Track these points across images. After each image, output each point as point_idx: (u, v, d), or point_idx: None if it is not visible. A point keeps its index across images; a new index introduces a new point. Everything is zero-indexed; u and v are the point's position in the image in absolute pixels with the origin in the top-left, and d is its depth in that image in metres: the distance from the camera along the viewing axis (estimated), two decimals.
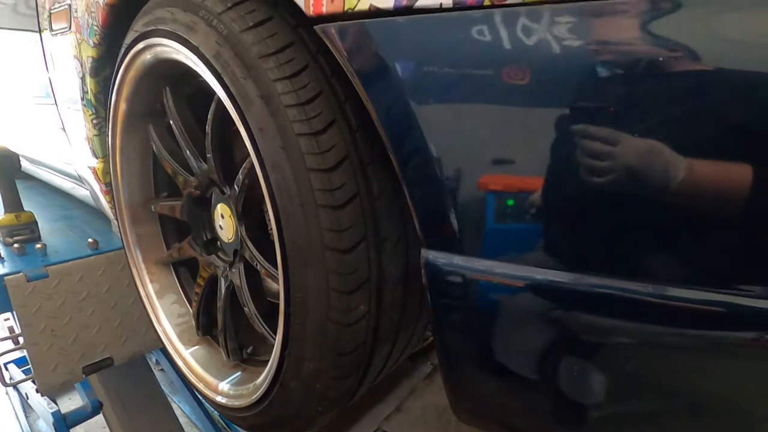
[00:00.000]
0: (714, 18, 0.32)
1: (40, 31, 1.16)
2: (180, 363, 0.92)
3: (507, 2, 0.38)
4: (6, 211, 1.43)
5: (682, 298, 0.37)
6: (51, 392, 1.21)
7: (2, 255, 1.31)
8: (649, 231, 0.37)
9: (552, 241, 0.43)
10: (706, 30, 0.32)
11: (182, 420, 1.74)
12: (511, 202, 0.43)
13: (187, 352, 0.94)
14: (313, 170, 0.52)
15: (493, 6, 0.38)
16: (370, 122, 0.54)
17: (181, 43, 0.64)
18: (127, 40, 0.78)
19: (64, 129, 1.27)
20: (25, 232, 1.44)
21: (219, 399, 0.80)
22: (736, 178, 0.33)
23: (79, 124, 1.11)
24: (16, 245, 1.34)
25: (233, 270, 0.83)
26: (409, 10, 0.43)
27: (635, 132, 0.35)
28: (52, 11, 1.07)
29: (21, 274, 1.20)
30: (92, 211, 1.71)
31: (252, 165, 0.63)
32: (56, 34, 1.07)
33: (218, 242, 0.90)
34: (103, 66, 0.95)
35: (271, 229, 0.79)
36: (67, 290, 1.25)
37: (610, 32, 0.35)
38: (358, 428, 1.19)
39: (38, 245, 1.34)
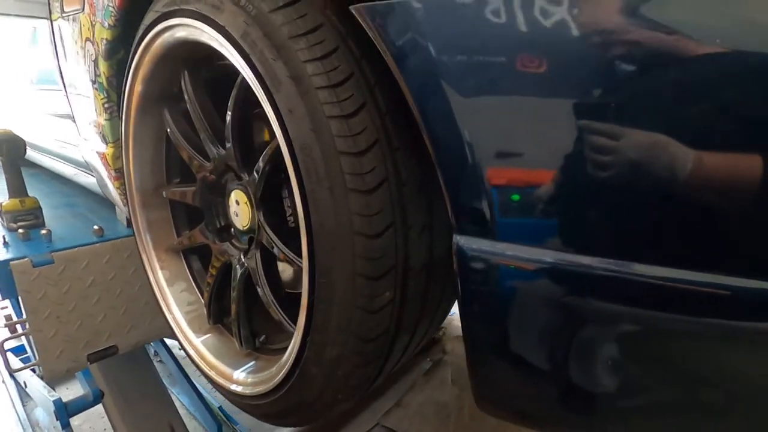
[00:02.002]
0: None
1: (50, 15, 1.15)
2: (191, 351, 0.92)
3: None
4: (10, 196, 1.41)
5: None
6: (56, 379, 1.20)
7: (7, 240, 1.30)
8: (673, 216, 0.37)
9: (580, 227, 0.42)
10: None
11: (181, 411, 1.73)
12: (540, 189, 0.43)
13: (198, 341, 0.93)
14: (344, 153, 0.52)
15: None
16: (399, 107, 0.53)
17: (206, 23, 0.63)
18: (147, 20, 0.77)
19: (72, 115, 1.26)
20: (30, 218, 1.42)
21: (234, 387, 0.79)
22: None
23: (89, 109, 1.10)
24: (20, 230, 1.32)
25: (248, 257, 0.82)
26: None
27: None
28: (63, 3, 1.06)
29: (26, 259, 1.18)
30: (96, 198, 1.69)
31: (275, 149, 0.62)
32: (68, 16, 1.06)
33: (232, 229, 0.89)
34: (118, 48, 0.94)
35: (290, 215, 0.79)
36: (73, 277, 1.24)
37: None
38: (357, 423, 1.19)
39: (43, 231, 1.32)
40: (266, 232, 0.73)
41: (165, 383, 1.76)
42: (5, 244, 1.29)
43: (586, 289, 0.43)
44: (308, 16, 0.55)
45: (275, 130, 0.56)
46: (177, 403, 1.82)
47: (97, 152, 1.14)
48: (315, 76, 0.52)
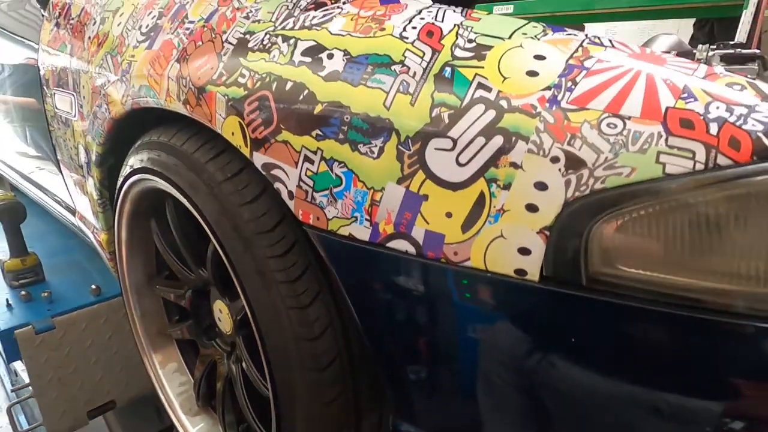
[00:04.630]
0: None
1: (43, 99, 1.21)
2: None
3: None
4: (11, 256, 1.50)
5: None
6: None
7: (11, 302, 1.40)
8: None
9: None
10: None
11: None
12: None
13: (188, 423, 1.04)
14: (303, 339, 0.62)
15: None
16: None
17: (183, 197, 0.71)
18: (132, 162, 0.85)
19: (65, 185, 1.33)
20: (30, 275, 1.52)
21: None
22: None
23: (84, 192, 1.18)
24: (23, 292, 1.42)
25: (231, 361, 0.92)
26: (379, 245, 0.51)
27: None
28: (55, 91, 1.12)
29: (30, 327, 1.28)
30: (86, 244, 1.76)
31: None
32: (61, 113, 1.13)
33: (216, 328, 0.99)
34: (109, 158, 1.01)
35: None
36: (73, 340, 1.34)
37: None
38: None
39: (44, 293, 1.42)
40: (243, 356, 0.83)
41: None
42: (9, 306, 1.39)
43: None
44: (270, 212, 0.63)
45: (244, 305, 0.66)
46: None
47: (95, 236, 1.23)
48: (277, 272, 0.62)
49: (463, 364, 0.50)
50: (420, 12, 0.54)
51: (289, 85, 0.56)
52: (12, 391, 1.32)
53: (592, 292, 0.42)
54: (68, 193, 1.34)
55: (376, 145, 0.49)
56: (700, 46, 0.86)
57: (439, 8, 0.54)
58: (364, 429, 0.71)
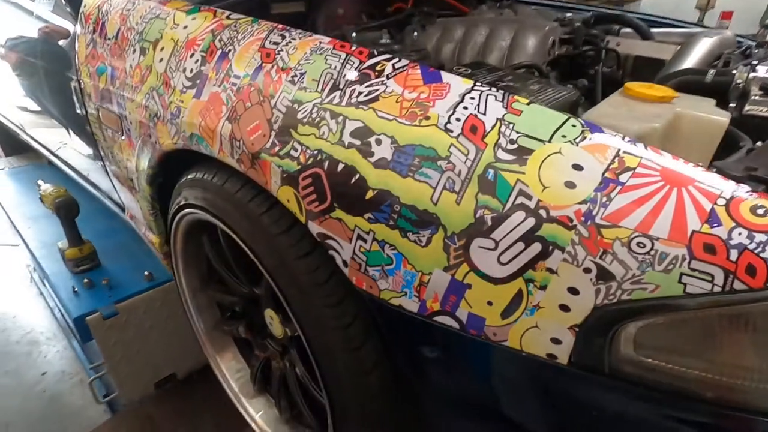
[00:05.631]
0: None
1: (85, 110, 1.26)
2: (244, 413, 1.19)
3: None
4: (69, 246, 1.64)
5: None
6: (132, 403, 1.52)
7: (77, 289, 1.55)
8: None
9: None
10: None
11: None
12: None
13: (248, 404, 1.20)
14: (354, 373, 0.72)
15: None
16: None
17: (240, 241, 0.79)
18: (187, 196, 0.91)
19: (114, 187, 1.42)
20: (88, 262, 1.66)
21: None
22: None
23: (135, 199, 1.26)
24: (85, 280, 1.57)
25: (284, 361, 1.05)
26: (427, 317, 0.58)
27: None
28: (100, 107, 1.17)
29: (98, 313, 1.44)
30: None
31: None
32: (106, 129, 1.18)
33: (267, 329, 1.11)
34: (159, 177, 1.08)
35: None
36: (135, 323, 1.50)
37: None
38: None
39: (104, 280, 1.57)
40: (298, 366, 0.95)
41: None
42: (75, 293, 1.55)
43: None
44: (323, 267, 0.71)
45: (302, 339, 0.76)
46: None
47: (146, 236, 1.33)
48: (331, 319, 0.70)
49: (492, 420, 0.60)
50: (463, 99, 0.57)
51: (340, 166, 0.61)
52: (90, 368, 1.51)
53: (613, 378, 0.49)
54: (117, 193, 1.43)
55: (424, 235, 0.55)
56: (740, 67, 0.85)
57: (481, 93, 0.57)
58: None
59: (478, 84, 0.58)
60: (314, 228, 0.65)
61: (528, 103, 0.55)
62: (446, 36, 1.24)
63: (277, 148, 0.67)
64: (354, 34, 1.03)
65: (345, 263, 0.64)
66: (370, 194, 0.58)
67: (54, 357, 2.12)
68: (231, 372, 1.24)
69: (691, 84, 0.86)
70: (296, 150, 0.65)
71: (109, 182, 1.46)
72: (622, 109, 0.67)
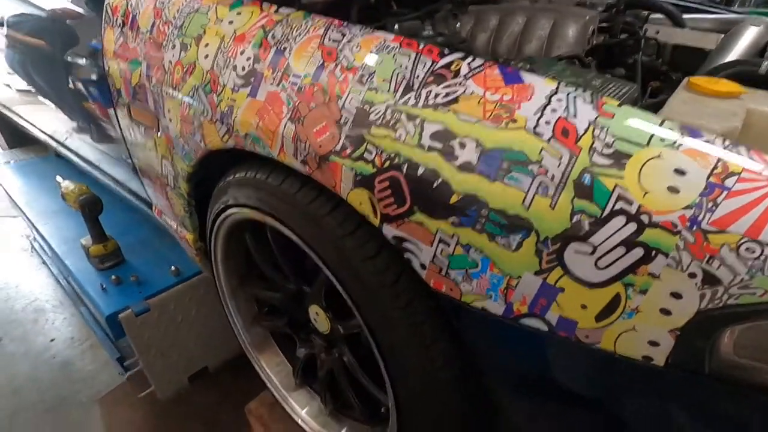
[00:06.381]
0: None
1: (114, 106, 1.23)
2: (287, 407, 1.20)
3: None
4: (93, 243, 1.62)
5: None
6: (168, 398, 1.53)
7: (104, 287, 1.54)
8: None
9: None
10: None
11: None
12: None
13: (289, 397, 1.21)
14: (425, 371, 0.72)
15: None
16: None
17: (302, 242, 0.78)
18: (237, 196, 0.90)
19: (141, 183, 1.40)
20: (112, 259, 1.65)
21: None
22: None
23: (166, 197, 1.25)
24: (113, 276, 1.56)
25: (331, 355, 1.05)
26: (512, 320, 0.59)
27: None
28: (131, 104, 1.14)
29: (129, 310, 1.43)
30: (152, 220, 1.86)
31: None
32: (138, 125, 1.16)
33: (311, 325, 1.12)
34: (197, 175, 1.07)
35: None
36: (166, 319, 1.50)
37: None
38: None
39: (132, 277, 1.56)
40: (352, 365, 0.95)
41: None
42: (104, 290, 1.54)
43: None
44: (391, 268, 0.71)
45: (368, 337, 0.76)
46: None
47: (177, 232, 1.32)
48: (401, 319, 0.70)
49: (580, 418, 0.61)
50: (549, 101, 0.56)
51: (421, 170, 0.60)
52: (125, 364, 1.51)
53: (713, 379, 0.50)
54: (143, 189, 1.41)
55: (514, 240, 0.55)
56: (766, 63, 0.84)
57: (568, 95, 0.56)
58: None
59: (562, 84, 0.57)
60: (390, 231, 0.64)
61: (618, 105, 0.55)
62: (480, 25, 1.21)
63: (348, 151, 0.66)
64: (396, 26, 1.01)
65: (423, 266, 0.63)
66: (454, 198, 0.58)
67: (62, 324, 2.14)
68: (271, 366, 1.25)
69: (743, 76, 0.85)
70: (370, 153, 0.64)
71: (128, 175, 1.44)
72: (695, 106, 0.66)
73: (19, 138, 2.99)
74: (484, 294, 0.59)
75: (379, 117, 0.64)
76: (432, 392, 0.75)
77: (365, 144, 0.64)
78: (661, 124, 0.52)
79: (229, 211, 0.95)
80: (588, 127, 0.53)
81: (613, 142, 0.52)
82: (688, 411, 0.53)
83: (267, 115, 0.75)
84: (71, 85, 1.42)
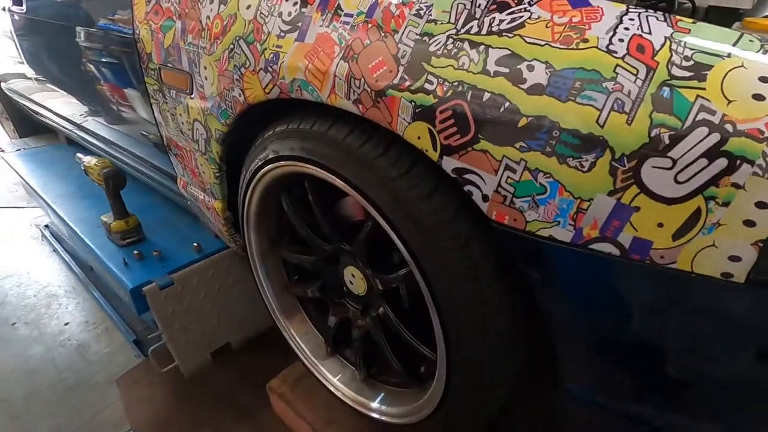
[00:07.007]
0: None
1: (143, 72, 1.22)
2: (315, 372, 1.19)
3: None
4: (115, 218, 1.61)
5: None
6: (191, 374, 1.52)
7: (126, 261, 1.53)
8: None
9: None
10: None
11: None
12: None
13: (321, 366, 1.20)
14: (478, 318, 0.71)
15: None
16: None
17: (353, 189, 0.77)
18: (279, 149, 0.89)
19: (168, 154, 1.39)
20: (134, 235, 1.64)
21: (375, 416, 1.06)
22: None
23: (195, 164, 1.24)
24: (135, 251, 1.55)
25: (366, 317, 1.04)
26: (581, 246, 0.58)
27: None
28: (162, 67, 1.13)
29: (154, 284, 1.42)
30: (170, 200, 1.85)
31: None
32: (170, 88, 1.15)
33: (345, 288, 1.10)
34: (231, 134, 1.06)
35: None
36: (189, 293, 1.49)
37: None
38: None
39: (155, 252, 1.55)
40: (391, 320, 0.94)
41: None
42: (126, 265, 1.53)
43: None
44: (447, 206, 0.70)
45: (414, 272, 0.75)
46: None
47: (204, 203, 1.31)
48: (457, 260, 0.69)
49: (653, 348, 0.59)
50: (621, 20, 0.55)
51: (486, 96, 0.59)
52: (149, 338, 1.50)
53: None
54: (169, 162, 1.40)
55: (587, 160, 0.54)
56: None
57: (640, 14, 0.55)
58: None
59: (632, 7, 0.57)
60: (450, 163, 0.64)
61: (693, 22, 0.54)
62: None
63: (407, 83, 0.65)
64: None
65: (485, 198, 0.62)
66: (523, 122, 0.57)
67: (75, 308, 2.15)
68: (300, 335, 1.24)
69: None
70: (431, 83, 0.63)
71: (151, 151, 1.43)
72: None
73: (31, 127, 2.98)
74: (551, 221, 0.58)
75: (440, 47, 0.63)
76: (486, 340, 0.74)
77: (425, 75, 0.63)
78: (740, 38, 0.51)
79: (268, 167, 0.94)
80: (664, 42, 0.53)
81: (693, 54, 0.51)
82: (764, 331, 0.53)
83: (317, 57, 0.75)
84: (91, 65, 1.42)
